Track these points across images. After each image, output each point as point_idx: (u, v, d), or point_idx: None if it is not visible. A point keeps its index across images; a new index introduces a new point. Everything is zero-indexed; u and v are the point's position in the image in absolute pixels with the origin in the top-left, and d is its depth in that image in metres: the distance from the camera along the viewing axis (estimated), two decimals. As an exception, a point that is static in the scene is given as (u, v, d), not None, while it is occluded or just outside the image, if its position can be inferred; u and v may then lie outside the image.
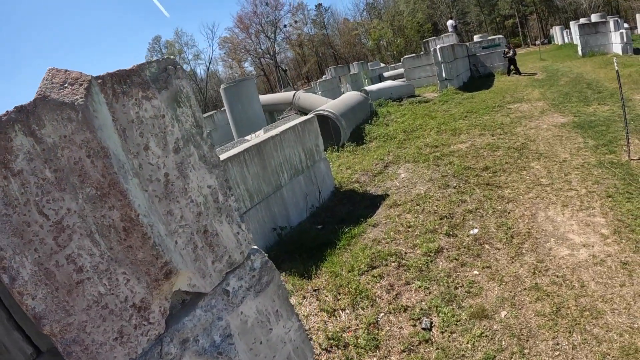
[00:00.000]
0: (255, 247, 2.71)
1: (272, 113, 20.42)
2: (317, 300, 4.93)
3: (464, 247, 5.16)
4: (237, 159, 6.31)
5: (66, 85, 1.97)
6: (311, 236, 6.40)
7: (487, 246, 5.11)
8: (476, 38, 27.88)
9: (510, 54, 21.65)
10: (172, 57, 2.40)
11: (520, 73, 21.31)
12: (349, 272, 5.22)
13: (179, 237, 2.30)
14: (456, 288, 4.46)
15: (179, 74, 2.36)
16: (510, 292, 4.25)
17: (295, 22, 75.10)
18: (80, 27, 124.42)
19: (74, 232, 2.01)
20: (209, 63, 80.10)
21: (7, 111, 1.86)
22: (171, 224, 2.27)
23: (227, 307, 2.48)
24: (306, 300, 5.00)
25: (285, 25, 74.15)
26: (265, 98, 20.54)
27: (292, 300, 5.10)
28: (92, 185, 2.00)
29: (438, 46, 18.23)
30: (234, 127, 14.73)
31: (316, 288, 5.16)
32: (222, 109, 19.48)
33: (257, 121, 14.44)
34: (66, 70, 2.04)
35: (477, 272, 4.65)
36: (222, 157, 6.25)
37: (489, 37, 26.76)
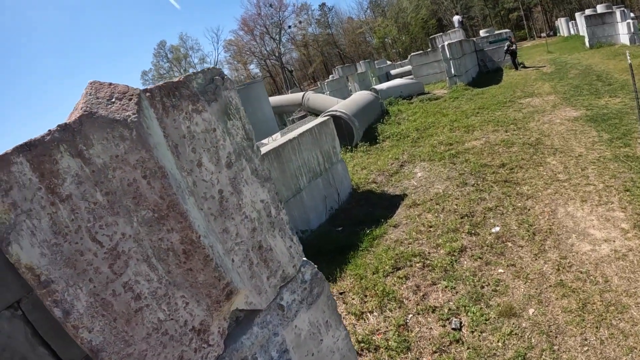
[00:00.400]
0: (305, 258, 2.74)
1: (282, 115, 20.46)
2: (343, 303, 5.00)
3: (487, 246, 5.21)
4: (256, 165, 6.36)
5: (113, 100, 1.90)
6: (332, 239, 6.46)
7: (509, 244, 5.16)
8: (482, 33, 27.74)
9: (513, 47, 21.62)
10: (217, 68, 2.40)
11: (517, 68, 21.27)
12: (373, 274, 5.28)
13: (235, 255, 2.27)
14: (482, 287, 4.51)
15: (227, 85, 2.35)
16: (536, 289, 4.30)
17: (300, 22, 75.11)
18: (78, 33, 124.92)
19: (130, 257, 1.95)
20: (215, 66, 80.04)
21: (49, 130, 1.78)
22: (227, 242, 2.24)
23: (282, 322, 2.50)
24: (333, 304, 5.07)
25: (289, 26, 74.22)
26: (274, 100, 20.57)
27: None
28: (148, 208, 1.95)
29: (446, 42, 18.22)
30: (245, 131, 14.75)
31: (342, 291, 5.22)
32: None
33: (268, 123, 14.52)
34: (110, 84, 1.97)
35: (502, 271, 4.70)
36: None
37: (496, 32, 26.69)
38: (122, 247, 1.91)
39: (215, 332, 2.19)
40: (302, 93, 19.56)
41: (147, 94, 1.99)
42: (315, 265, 2.76)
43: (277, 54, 73.30)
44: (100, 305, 1.89)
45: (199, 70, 2.27)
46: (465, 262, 5.02)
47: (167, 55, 77.49)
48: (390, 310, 4.55)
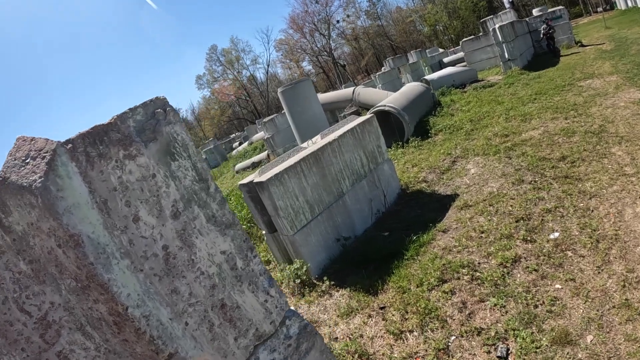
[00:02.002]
0: (292, 309, 2.42)
1: (334, 111, 20.15)
2: (383, 320, 4.63)
3: (544, 255, 4.65)
4: (294, 170, 6.09)
5: (28, 160, 1.72)
6: (377, 246, 6.09)
7: (569, 253, 4.58)
8: (535, 12, 26.48)
9: (551, 32, 20.13)
10: (161, 97, 2.09)
11: (556, 55, 19.54)
12: (417, 286, 4.89)
13: (190, 317, 2.01)
14: (536, 306, 3.99)
15: (170, 118, 2.06)
16: (597, 310, 3.73)
17: (348, 16, 74.67)
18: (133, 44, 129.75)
19: (62, 326, 1.84)
20: (267, 66, 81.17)
21: None
22: (178, 304, 1.98)
23: None
24: (372, 320, 4.72)
25: (338, 21, 73.96)
26: (324, 97, 20.31)
27: (357, 320, 4.84)
28: (70, 277, 1.77)
29: (497, 25, 17.36)
30: (295, 130, 14.57)
31: (382, 305, 4.87)
32: (282, 111, 19.40)
33: (318, 122, 14.20)
34: (32, 139, 1.80)
35: (560, 286, 4.14)
36: (278, 169, 6.05)
37: (549, 9, 25.39)
38: (52, 317, 1.84)
39: None
40: (352, 88, 19.17)
41: (68, 146, 1.75)
42: (304, 319, 2.40)
43: (328, 50, 73.05)
44: None
45: (140, 104, 1.99)
46: (518, 275, 4.50)
47: (219, 58, 78.95)
48: (432, 331, 4.15)
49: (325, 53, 74.42)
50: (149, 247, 1.91)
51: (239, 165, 23.73)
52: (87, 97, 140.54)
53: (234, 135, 57.44)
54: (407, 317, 4.49)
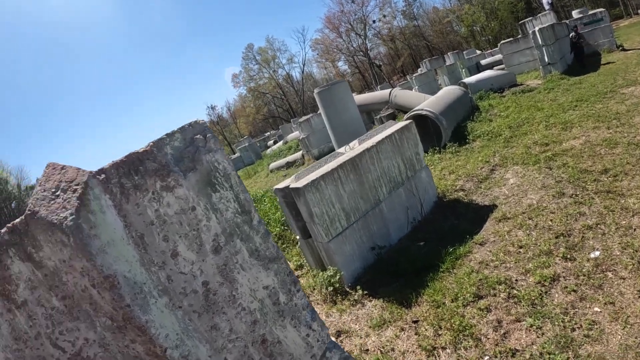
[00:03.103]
0: (333, 340, 2.36)
1: (370, 113, 20.06)
2: (415, 334, 4.59)
3: (584, 275, 4.53)
4: (331, 177, 6.08)
5: (58, 192, 1.63)
6: (412, 256, 6.03)
7: (610, 274, 4.44)
8: (575, 14, 25.79)
9: (581, 41, 18.56)
10: (200, 120, 1.99)
11: (584, 65, 17.71)
12: (452, 301, 4.83)
13: (229, 353, 1.95)
14: (573, 330, 3.88)
15: (210, 145, 1.97)
16: (636, 337, 3.59)
17: (384, 16, 73.93)
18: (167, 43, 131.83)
19: None
20: (303, 65, 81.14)
21: None
22: (217, 340, 1.91)
23: None
24: (404, 334, 4.68)
25: (374, 21, 73.32)
26: (360, 98, 20.24)
27: (389, 333, 4.80)
28: (106, 316, 1.69)
29: (536, 28, 16.95)
30: (330, 131, 14.55)
31: (416, 319, 4.83)
32: (318, 112, 19.38)
33: (354, 124, 14.15)
34: (62, 167, 1.70)
35: (599, 309, 4.02)
36: (314, 175, 6.05)
37: (590, 12, 24.73)
38: (87, 353, 1.77)
39: None
40: (389, 90, 19.04)
41: (101, 177, 1.67)
42: (344, 350, 2.36)
43: (364, 50, 72.71)
44: None
45: (177, 129, 1.89)
46: (556, 295, 4.39)
47: (255, 57, 79.57)
48: (465, 349, 4.09)
49: (361, 53, 74.02)
50: (189, 284, 1.85)
51: (273, 164, 23.81)
52: (125, 98, 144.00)
53: (268, 133, 57.71)
54: (440, 332, 4.44)
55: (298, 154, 22.52)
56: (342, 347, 2.37)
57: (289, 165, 21.89)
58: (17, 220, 1.63)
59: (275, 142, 40.82)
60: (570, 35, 18.65)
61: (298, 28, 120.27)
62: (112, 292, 1.60)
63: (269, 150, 35.09)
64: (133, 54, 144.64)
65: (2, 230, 1.63)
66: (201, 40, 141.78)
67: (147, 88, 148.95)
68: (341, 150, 7.50)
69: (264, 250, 2.09)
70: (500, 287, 4.76)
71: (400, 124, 7.66)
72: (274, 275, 2.12)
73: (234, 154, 44.18)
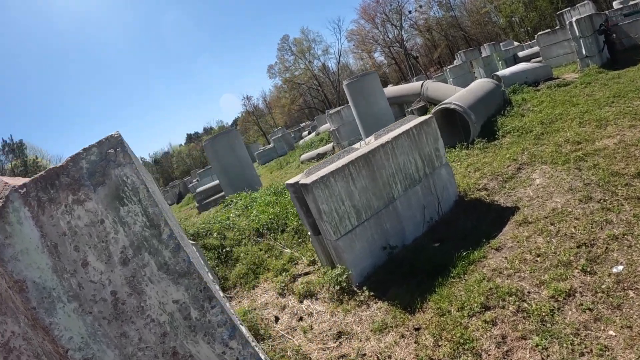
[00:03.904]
0: (263, 358, 2.31)
1: (402, 105, 19.70)
2: (415, 342, 4.36)
3: (602, 292, 4.12)
4: (341, 173, 5.84)
5: None
6: (425, 258, 5.75)
7: (631, 293, 4.01)
8: (616, 4, 24.62)
9: (613, 36, 16.99)
10: (115, 134, 1.99)
11: (615, 62, 16.12)
12: (458, 310, 4.55)
13: None
14: (582, 354, 3.50)
15: (119, 160, 1.99)
16: None
17: (420, 7, 72.78)
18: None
19: (21, 353, 1.89)
20: (339, 56, 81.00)
21: None
22: (127, 347, 1.97)
23: None
24: (404, 341, 4.46)
25: (410, 11, 72.32)
26: (392, 90, 19.92)
27: (388, 338, 4.59)
28: (24, 314, 1.81)
29: (574, 18, 16.19)
30: (359, 123, 14.33)
31: (418, 327, 4.58)
32: (349, 103, 19.16)
33: (383, 117, 13.90)
34: None
35: (614, 333, 3.62)
36: (324, 171, 5.81)
37: (631, 2, 23.62)
38: (13, 344, 1.91)
39: None
40: (421, 82, 18.65)
41: (22, 191, 1.81)
42: None
43: (400, 41, 71.90)
44: None
45: (95, 142, 1.95)
46: (569, 313, 4.01)
47: (290, 48, 79.87)
48: (464, 365, 3.78)
49: (397, 44, 73.24)
50: (98, 292, 1.92)
51: (304, 156, 23.75)
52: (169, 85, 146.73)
53: (304, 124, 57.80)
54: (440, 343, 4.19)
55: (329, 146, 22.39)
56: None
57: (319, 157, 21.78)
58: None
59: (309, 133, 40.83)
60: (600, 26, 17.44)
61: (334, 18, 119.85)
62: (21, 295, 1.75)
63: (301, 142, 35.13)
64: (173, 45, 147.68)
65: None
66: (233, 32, 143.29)
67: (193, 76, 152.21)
68: (356, 145, 7.22)
69: (174, 264, 2.09)
70: (510, 298, 4.43)
71: (420, 119, 7.33)
72: (184, 290, 2.12)
73: (269, 144, 44.37)
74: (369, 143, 6.98)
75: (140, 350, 1.98)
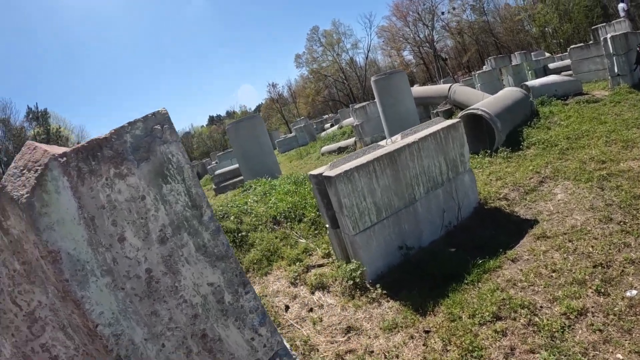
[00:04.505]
0: (288, 347, 2.36)
1: (427, 106, 19.63)
2: (424, 344, 4.41)
3: (614, 315, 4.13)
4: (365, 169, 5.90)
5: (24, 171, 1.75)
6: (440, 262, 5.80)
7: None
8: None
9: None
10: (162, 110, 1.99)
11: None
12: (469, 317, 4.59)
13: (167, 340, 2.00)
14: None
15: (166, 137, 2.00)
16: None
17: (454, 8, 71.96)
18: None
19: (46, 323, 1.92)
20: (368, 51, 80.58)
21: None
22: (156, 326, 1.98)
23: None
24: (412, 342, 4.51)
25: (443, 13, 71.65)
26: (419, 90, 19.87)
27: (397, 338, 4.65)
28: (53, 285, 1.82)
29: (609, 35, 15.91)
30: (384, 121, 14.32)
31: (428, 329, 4.63)
32: (375, 100, 19.11)
33: (409, 117, 13.88)
34: (34, 148, 1.80)
35: (621, 357, 3.63)
36: (349, 165, 5.88)
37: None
38: (39, 313, 1.93)
39: None
40: (448, 85, 18.57)
41: (62, 160, 1.78)
42: (293, 356, 2.35)
43: (430, 41, 71.33)
44: (22, 356, 1.95)
45: (141, 117, 1.92)
46: (580, 332, 4.03)
47: (319, 39, 79.70)
48: (471, 372, 3.83)
49: (427, 44, 72.69)
50: (132, 268, 1.93)
51: (324, 148, 23.76)
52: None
53: (327, 116, 57.73)
54: (449, 348, 4.24)
55: (351, 140, 22.37)
56: (294, 355, 2.37)
57: (340, 150, 21.76)
58: None
59: (332, 126, 40.77)
60: (637, 47, 17.15)
61: (365, 13, 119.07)
62: (54, 266, 1.73)
63: (323, 134, 35.07)
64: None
65: None
66: (266, 20, 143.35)
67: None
68: (382, 142, 7.25)
69: (212, 247, 2.11)
70: (522, 311, 4.47)
71: (448, 122, 7.34)
72: (220, 273, 2.14)
73: (291, 133, 44.39)
74: (395, 141, 7.01)
75: (170, 330, 2.00)
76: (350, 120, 29.75)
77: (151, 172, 1.94)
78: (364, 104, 21.27)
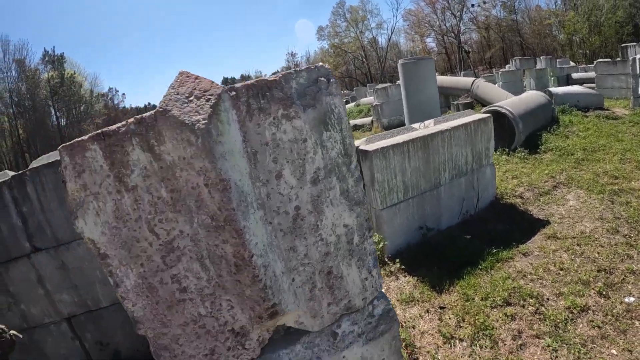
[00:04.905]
0: (382, 291, 2.58)
1: (448, 97, 19.83)
2: (439, 319, 4.84)
3: (612, 316, 4.58)
4: (400, 149, 6.27)
5: (192, 98, 1.84)
6: (456, 247, 6.25)
7: (637, 323, 4.46)
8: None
9: None
10: (326, 65, 2.19)
11: None
12: (482, 299, 5.03)
13: (298, 274, 2.19)
14: None
15: (331, 89, 2.15)
16: None
17: (484, 2, 70.70)
18: None
19: (183, 254, 2.02)
20: (391, 33, 79.51)
21: (126, 122, 1.85)
22: (292, 261, 2.15)
23: (330, 349, 2.41)
24: (428, 316, 4.94)
25: (473, 5, 70.47)
26: (441, 80, 19.92)
27: (414, 310, 5.07)
28: (207, 214, 1.93)
29: (638, 55, 16.08)
30: (405, 106, 14.46)
31: (443, 305, 5.06)
32: (397, 82, 19.23)
33: (431, 105, 14.03)
34: (197, 78, 1.91)
35: (615, 353, 4.09)
36: (385, 143, 6.31)
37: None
38: (177, 243, 1.99)
39: (254, 339, 2.20)
40: (472, 79, 18.76)
41: (232, 94, 1.90)
42: (390, 304, 2.58)
43: (455, 32, 70.48)
44: (146, 287, 2.04)
45: (304, 67, 2.10)
46: (580, 326, 4.50)
47: (345, 15, 78.52)
48: (481, 347, 4.30)
49: (452, 34, 71.86)
50: (283, 205, 2.07)
51: (340, 124, 23.86)
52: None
53: (342, 92, 57.29)
54: (462, 325, 4.66)
55: (367, 119, 22.53)
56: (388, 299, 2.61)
57: (356, 127, 21.92)
58: (146, 114, 1.83)
59: (347, 102, 40.70)
60: None
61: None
62: (223, 194, 1.83)
63: (340, 109, 34.93)
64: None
65: (129, 120, 1.82)
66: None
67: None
68: (415, 125, 7.62)
69: (354, 192, 2.26)
70: (530, 300, 4.91)
71: (479, 116, 7.69)
72: (355, 217, 2.29)
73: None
74: (428, 126, 7.38)
75: (302, 265, 2.16)
76: (368, 100, 29.80)
77: (315, 118, 2.07)
78: (386, 85, 21.43)
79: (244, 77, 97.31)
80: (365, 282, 2.43)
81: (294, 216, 2.11)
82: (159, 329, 2.10)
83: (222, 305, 2.09)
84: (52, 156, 5.53)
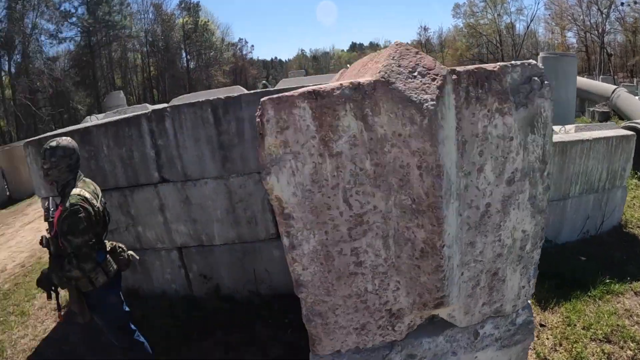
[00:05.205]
0: (530, 302, 2.55)
1: (583, 101, 18.58)
2: (536, 337, 4.58)
3: None
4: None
5: (415, 74, 1.77)
6: (571, 265, 5.96)
7: None
8: None
9: None
10: (540, 66, 2.07)
11: None
12: (583, 329, 4.74)
13: (468, 270, 2.17)
14: None
15: (544, 91, 2.03)
16: None
17: (635, 2, 64.14)
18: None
19: (370, 229, 2.00)
20: (530, 21, 74.41)
21: (340, 84, 1.80)
22: (467, 255, 2.13)
23: (467, 346, 2.41)
24: (527, 330, 4.63)
25: (622, 3, 64.09)
26: (580, 81, 18.68)
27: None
28: (409, 196, 1.89)
29: None
30: (540, 103, 13.64)
31: (543, 323, 4.84)
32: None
33: (565, 107, 13.19)
34: (417, 52, 1.85)
35: None
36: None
37: None
38: (367, 218, 1.97)
39: (406, 323, 2.22)
40: (613, 86, 17.43)
41: (454, 77, 1.81)
42: (532, 316, 2.54)
43: (599, 31, 65.17)
44: (323, 255, 2.04)
45: (517, 62, 2.00)
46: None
47: (491, -7, 74.18)
48: (570, 378, 4.06)
49: (595, 33, 66.64)
50: (476, 199, 2.03)
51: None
52: None
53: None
54: (557, 349, 4.45)
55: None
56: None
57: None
58: (364, 80, 1.75)
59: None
60: None
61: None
62: (435, 180, 1.79)
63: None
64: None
65: (344, 84, 1.76)
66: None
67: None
68: (555, 128, 7.12)
69: (540, 200, 2.21)
70: (631, 344, 4.53)
71: (621, 132, 7.14)
72: (534, 224, 2.25)
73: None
74: (568, 132, 6.91)
75: (475, 262, 2.13)
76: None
77: (525, 118, 2.00)
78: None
79: (372, 45, 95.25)
80: (522, 290, 2.40)
81: (483, 212, 2.07)
82: (321, 296, 2.12)
83: (390, 286, 2.09)
84: (194, 96, 5.67)
